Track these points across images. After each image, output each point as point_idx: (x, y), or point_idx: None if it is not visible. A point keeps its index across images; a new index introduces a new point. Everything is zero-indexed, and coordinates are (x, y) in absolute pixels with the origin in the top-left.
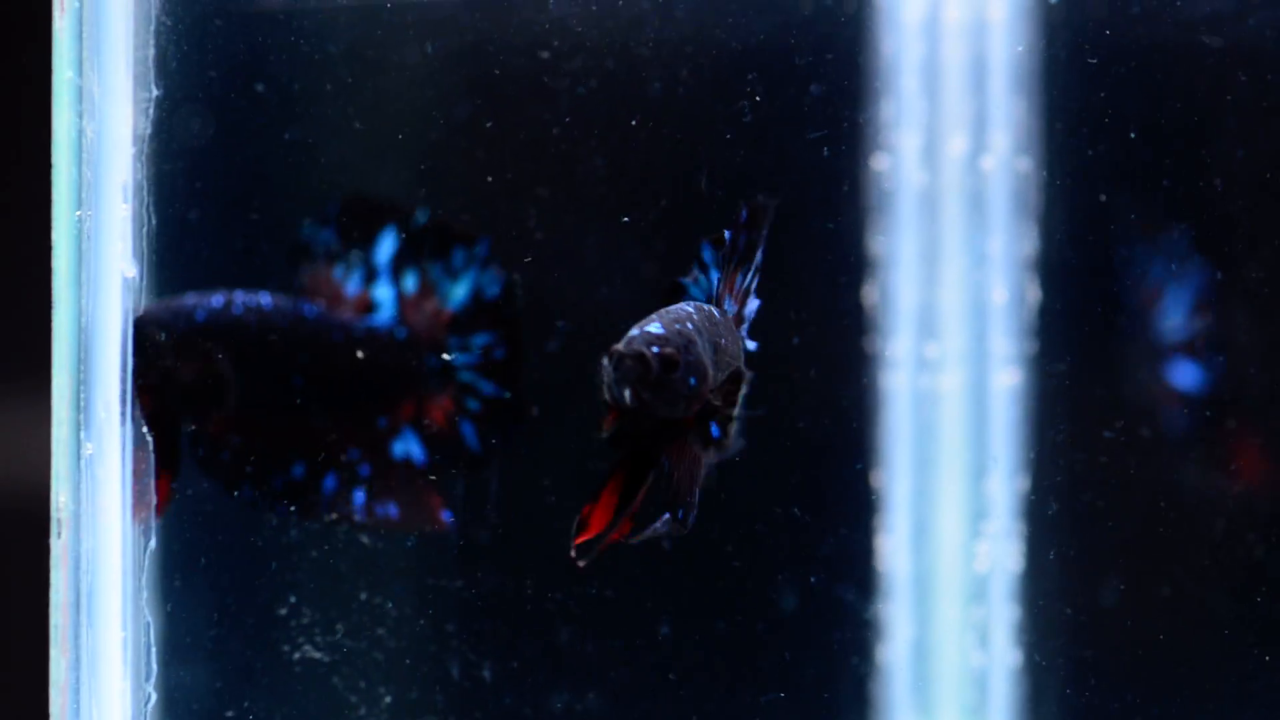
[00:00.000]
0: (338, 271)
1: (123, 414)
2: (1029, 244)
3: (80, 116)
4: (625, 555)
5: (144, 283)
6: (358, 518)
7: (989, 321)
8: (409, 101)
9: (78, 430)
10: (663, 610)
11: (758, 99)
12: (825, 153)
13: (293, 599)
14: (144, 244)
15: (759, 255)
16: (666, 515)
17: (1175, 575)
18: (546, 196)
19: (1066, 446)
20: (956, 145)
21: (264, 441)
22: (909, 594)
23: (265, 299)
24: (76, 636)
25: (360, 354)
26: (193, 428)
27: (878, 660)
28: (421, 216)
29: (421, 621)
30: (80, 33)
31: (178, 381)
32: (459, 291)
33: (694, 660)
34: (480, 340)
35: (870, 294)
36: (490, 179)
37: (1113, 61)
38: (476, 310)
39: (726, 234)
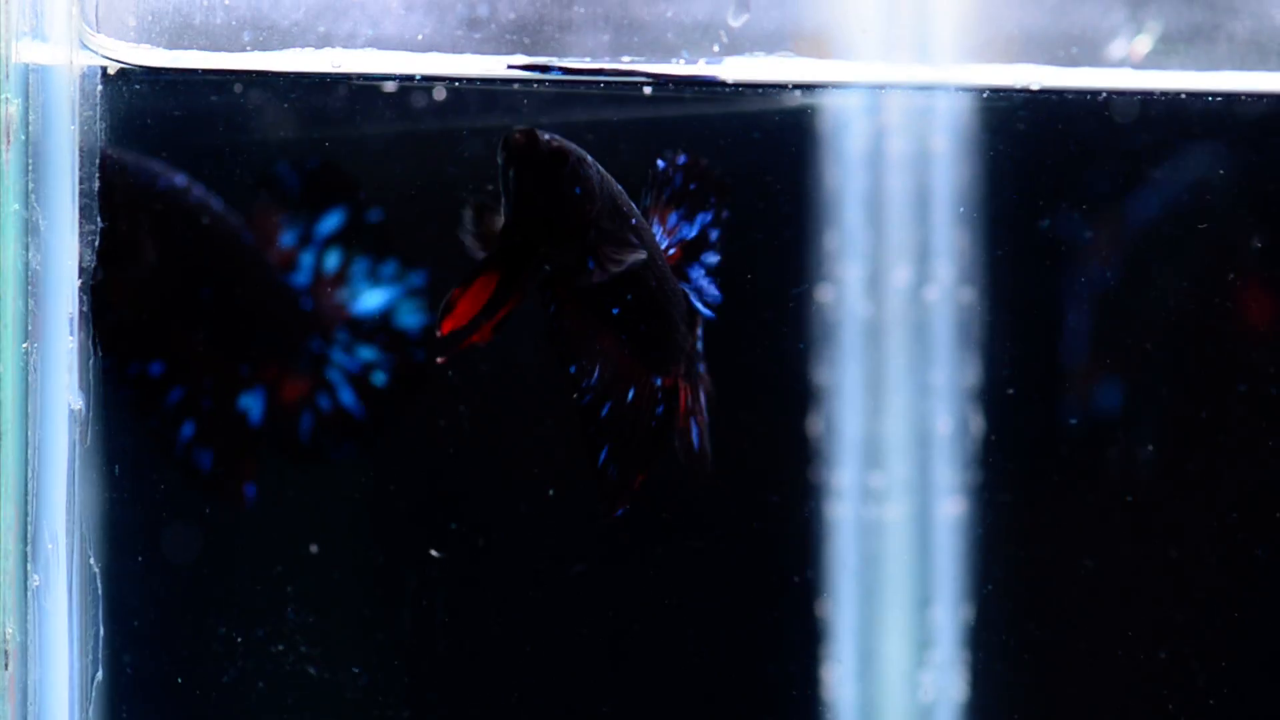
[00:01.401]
0: (284, 219)
1: (69, 546)
2: (972, 374)
3: (26, 249)
4: (564, 682)
5: (90, 414)
6: (175, 450)
7: (933, 451)
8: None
9: (25, 562)
10: None
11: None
12: (769, 282)
13: None
14: (90, 376)
15: (707, 220)
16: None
17: (1120, 705)
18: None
19: (1010, 576)
20: (900, 276)
21: (146, 326)
22: None
23: (217, 204)
24: None
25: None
26: (100, 277)
27: None
28: (376, 215)
29: None
30: (26, 165)
31: (114, 228)
32: (370, 299)
33: None
34: (365, 354)
35: (815, 424)
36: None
37: (1055, 192)
38: (378, 327)
39: (659, 162)
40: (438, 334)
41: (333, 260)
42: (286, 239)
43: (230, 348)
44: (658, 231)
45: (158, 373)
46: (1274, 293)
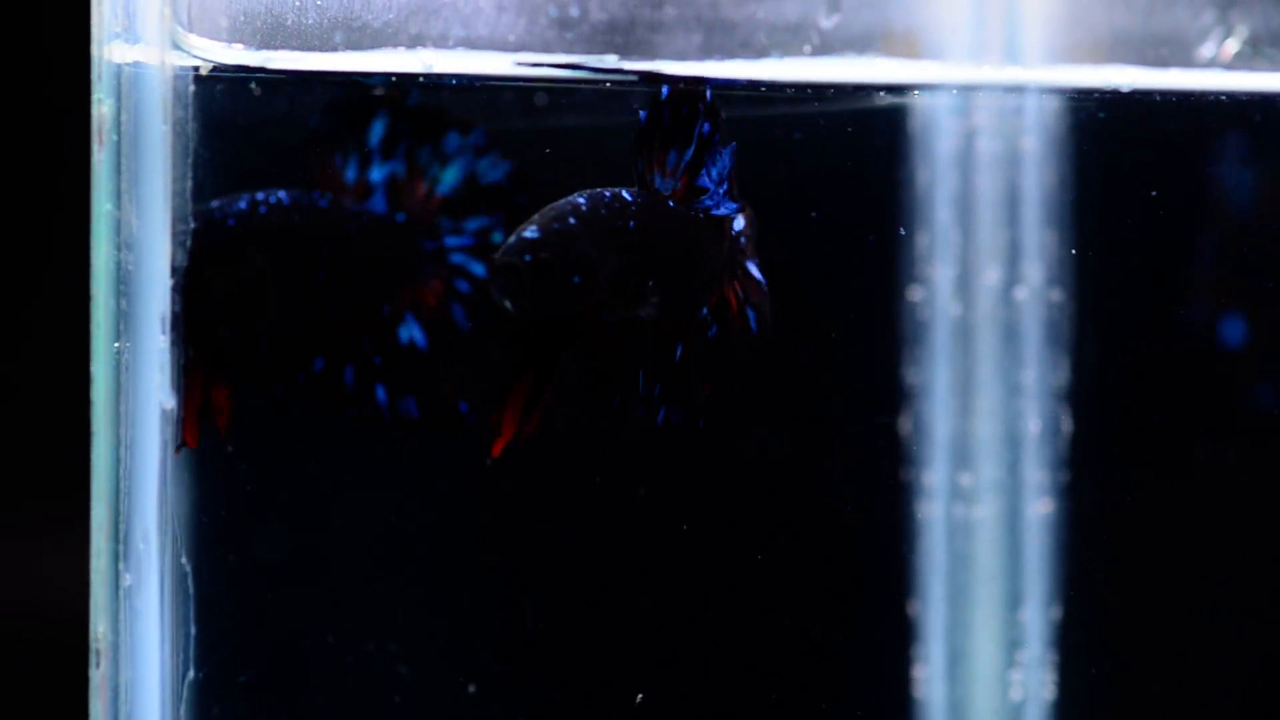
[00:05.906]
0: (338, 158)
1: (161, 546)
2: (1062, 375)
3: (118, 248)
4: (646, 677)
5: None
6: (385, 417)
7: (1023, 452)
8: None
9: (116, 561)
10: None
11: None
12: (859, 283)
13: None
14: (181, 376)
15: (716, 147)
16: None
17: (1210, 705)
18: None
19: (1100, 576)
20: (990, 276)
21: (289, 338)
22: None
23: (283, 196)
24: None
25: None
26: (230, 332)
27: None
28: (414, 97)
29: None
30: (118, 165)
31: (215, 290)
32: (450, 175)
33: None
34: (474, 224)
35: (905, 424)
36: None
37: (1144, 193)
38: (470, 194)
39: (642, 114)
40: (489, 461)
41: (399, 164)
42: (349, 173)
43: (364, 303)
44: (664, 183)
45: (322, 367)
46: None
